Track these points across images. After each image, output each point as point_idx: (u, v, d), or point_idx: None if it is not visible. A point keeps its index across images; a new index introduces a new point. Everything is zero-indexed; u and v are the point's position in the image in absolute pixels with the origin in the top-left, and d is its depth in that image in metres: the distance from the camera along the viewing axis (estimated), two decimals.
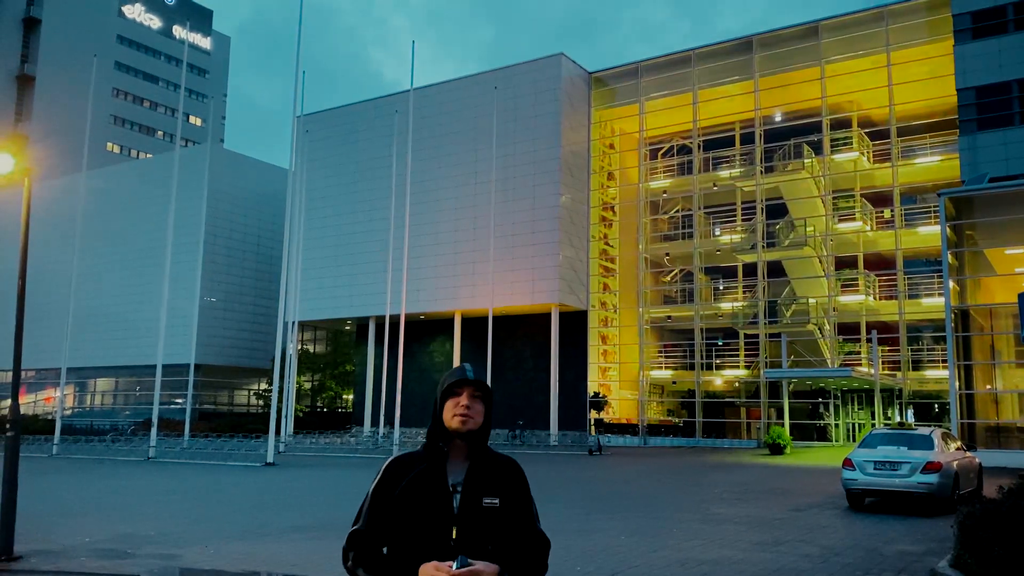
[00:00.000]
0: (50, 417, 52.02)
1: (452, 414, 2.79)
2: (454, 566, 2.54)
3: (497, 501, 2.77)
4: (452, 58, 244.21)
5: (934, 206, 35.38)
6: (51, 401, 60.79)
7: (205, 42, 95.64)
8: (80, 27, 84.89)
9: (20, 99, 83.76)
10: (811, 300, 39.71)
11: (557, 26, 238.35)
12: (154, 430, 32.38)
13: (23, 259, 11.88)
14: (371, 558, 2.75)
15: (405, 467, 2.81)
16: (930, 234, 36.19)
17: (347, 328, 56.09)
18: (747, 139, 42.78)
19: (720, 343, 43.17)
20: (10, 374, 13.38)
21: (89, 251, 54.92)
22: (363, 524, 2.79)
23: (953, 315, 27.77)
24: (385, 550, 2.77)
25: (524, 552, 2.79)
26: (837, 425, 38.79)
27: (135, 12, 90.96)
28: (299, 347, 51.48)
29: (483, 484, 2.78)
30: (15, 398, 11.32)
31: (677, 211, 45.48)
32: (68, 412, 58.76)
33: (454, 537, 2.68)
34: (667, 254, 44.62)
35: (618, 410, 44.36)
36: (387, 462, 2.86)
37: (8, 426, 11.03)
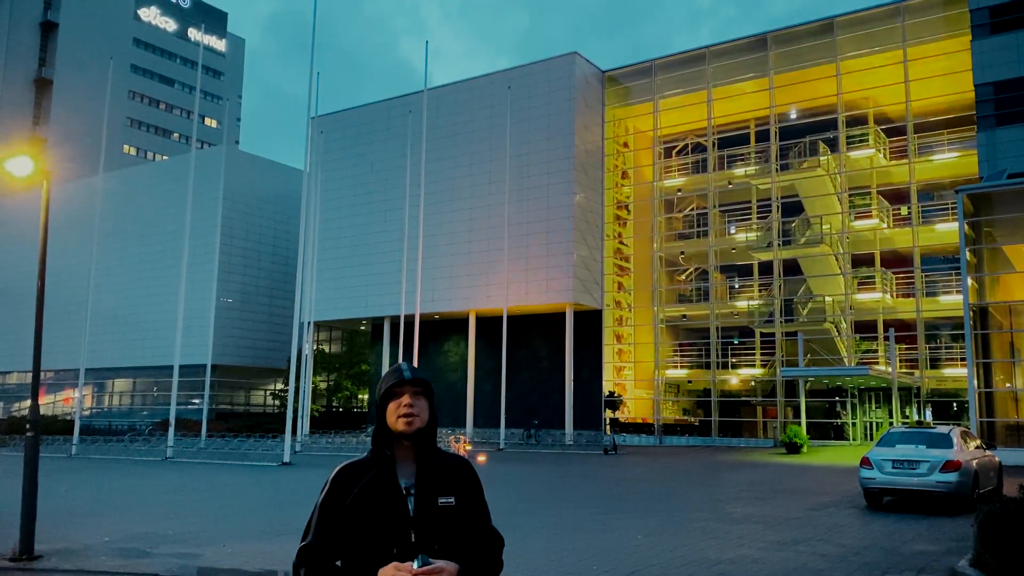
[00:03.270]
0: (69, 418, 52.41)
1: (396, 416, 2.75)
2: (415, 565, 2.52)
3: (452, 500, 2.75)
4: (485, 48, 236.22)
5: (952, 203, 35.11)
6: (70, 402, 61.29)
7: (220, 44, 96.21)
8: (97, 30, 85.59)
9: (38, 102, 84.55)
10: (828, 298, 39.48)
11: (595, 12, 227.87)
12: (171, 430, 32.56)
13: (42, 261, 12.00)
14: (324, 572, 2.69)
15: (354, 476, 2.75)
16: (948, 231, 35.89)
17: (362, 328, 56.25)
18: (762, 136, 42.55)
19: (736, 342, 42.97)
20: (30, 375, 13.50)
21: (106, 253, 55.38)
22: (313, 538, 2.72)
23: (971, 312, 27.54)
24: (339, 563, 2.69)
25: (481, 550, 2.78)
26: (854, 424, 38.53)
27: (151, 15, 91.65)
28: (315, 347, 51.64)
29: (436, 483, 2.75)
30: (35, 399, 11.44)
31: (692, 209, 45.31)
32: (86, 413, 59.19)
33: (413, 540, 2.65)
34: (682, 253, 44.48)
35: (633, 409, 44.26)
36: (334, 472, 2.80)
37: (28, 427, 11.14)
